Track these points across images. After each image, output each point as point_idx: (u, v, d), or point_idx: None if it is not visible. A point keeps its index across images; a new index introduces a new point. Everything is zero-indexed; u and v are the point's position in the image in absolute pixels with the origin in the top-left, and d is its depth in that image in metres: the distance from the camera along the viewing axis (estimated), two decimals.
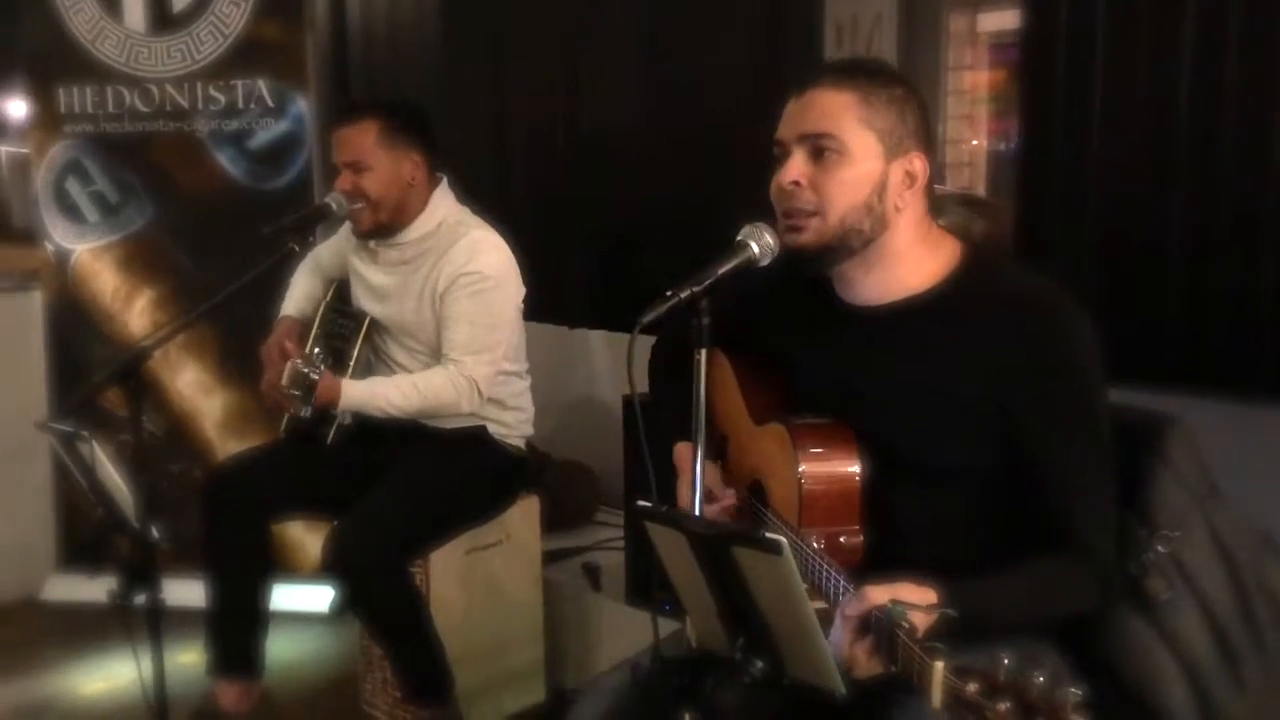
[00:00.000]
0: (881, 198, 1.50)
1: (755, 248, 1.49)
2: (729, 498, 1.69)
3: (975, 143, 3.74)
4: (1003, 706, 1.03)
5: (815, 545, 1.46)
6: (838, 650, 1.26)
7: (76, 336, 3.54)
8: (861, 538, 1.50)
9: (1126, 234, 2.19)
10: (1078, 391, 1.46)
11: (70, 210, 3.50)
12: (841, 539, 1.49)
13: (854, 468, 1.50)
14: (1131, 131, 2.17)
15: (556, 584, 2.98)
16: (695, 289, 1.43)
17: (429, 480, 2.58)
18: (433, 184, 2.66)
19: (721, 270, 1.46)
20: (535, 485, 2.93)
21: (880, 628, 1.22)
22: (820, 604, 1.41)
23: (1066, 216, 2.27)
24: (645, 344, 1.61)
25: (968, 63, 3.62)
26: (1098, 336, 1.47)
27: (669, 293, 1.43)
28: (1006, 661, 1.05)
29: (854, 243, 1.51)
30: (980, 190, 3.65)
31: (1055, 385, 1.45)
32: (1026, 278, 1.52)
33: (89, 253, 3.52)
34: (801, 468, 1.49)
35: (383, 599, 2.45)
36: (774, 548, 1.21)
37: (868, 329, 1.55)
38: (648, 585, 2.71)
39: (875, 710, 1.37)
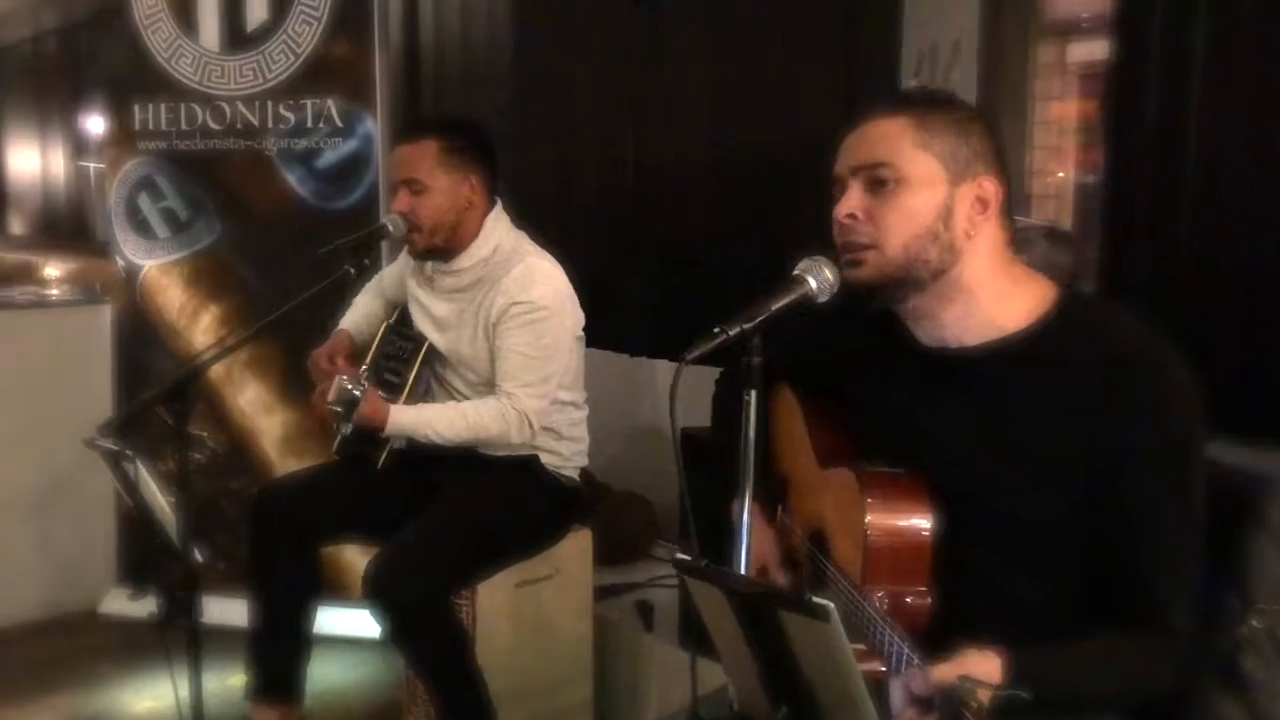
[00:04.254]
0: (948, 224, 1.39)
1: (813, 283, 1.39)
2: (779, 578, 1.59)
3: (1061, 175, 3.62)
4: None
5: (878, 605, 1.36)
6: None
7: (143, 351, 3.56)
8: (929, 600, 1.38)
9: (1221, 275, 2.05)
10: (1177, 459, 1.34)
11: (141, 226, 3.52)
12: (907, 599, 1.38)
13: (926, 523, 1.39)
14: (1229, 165, 2.03)
15: (608, 622, 2.89)
16: (746, 326, 1.34)
17: (477, 509, 2.51)
18: (489, 207, 2.60)
19: (775, 306, 1.37)
20: (589, 518, 2.85)
21: (947, 706, 1.13)
22: (876, 665, 1.30)
23: (1155, 255, 2.14)
24: (701, 376, 1.52)
25: (1055, 93, 3.52)
26: (1203, 397, 1.36)
27: (717, 329, 1.34)
28: None
29: (921, 274, 1.40)
30: (1067, 223, 3.52)
31: (1154, 450, 1.33)
32: (1129, 326, 1.39)
33: (157, 268, 3.54)
34: (868, 519, 1.38)
35: (423, 631, 2.37)
36: (822, 613, 1.11)
37: (950, 373, 1.44)
38: (702, 628, 2.60)
39: None
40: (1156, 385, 1.33)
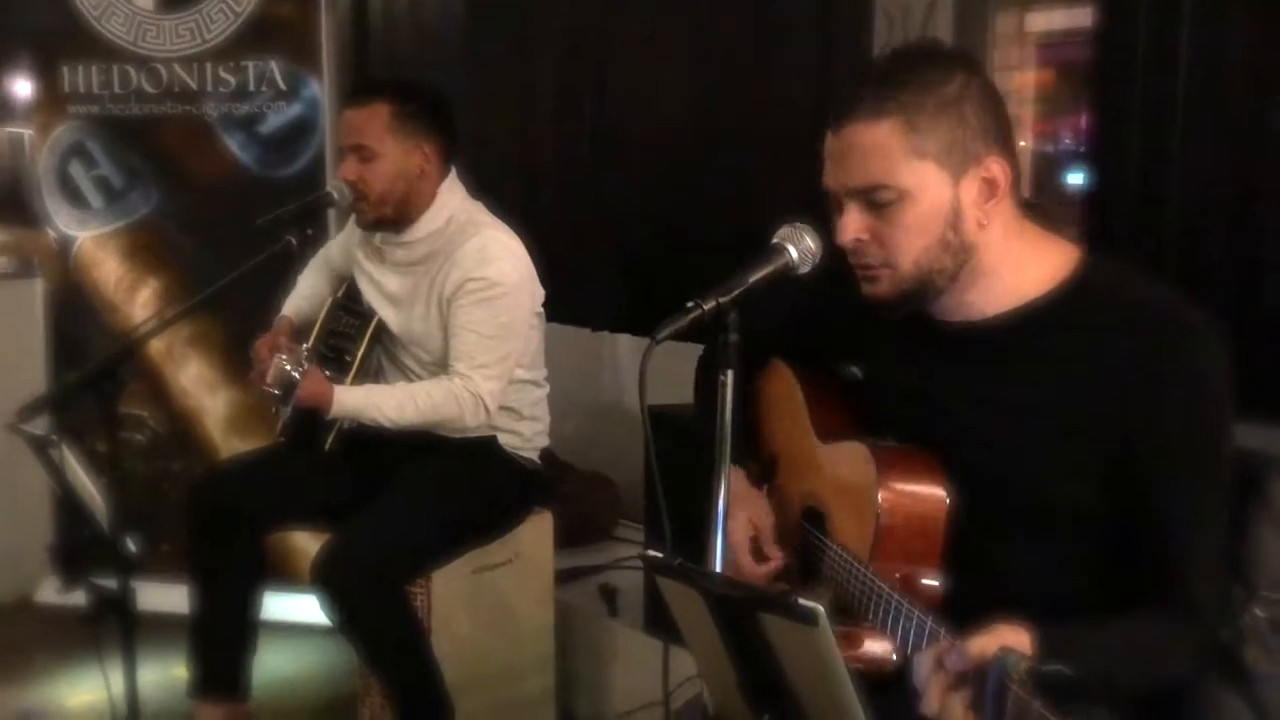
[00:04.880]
0: (958, 227, 1.29)
1: (794, 253, 1.30)
2: (777, 557, 1.49)
3: (1022, 144, 3.59)
4: None
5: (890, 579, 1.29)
6: (923, 703, 1.09)
7: (78, 327, 3.40)
8: (940, 584, 1.31)
9: (1212, 250, 1.98)
10: (1206, 428, 1.27)
11: (73, 195, 3.35)
12: (921, 581, 1.31)
13: (942, 500, 1.31)
14: (1219, 140, 1.96)
15: (570, 607, 2.80)
16: (722, 300, 1.24)
17: (432, 493, 2.40)
18: (443, 175, 2.46)
19: (753, 278, 1.27)
20: (550, 500, 2.74)
21: (986, 680, 1.03)
22: (872, 649, 1.25)
23: (1141, 228, 2.05)
24: (667, 349, 1.41)
25: (1014, 62, 3.49)
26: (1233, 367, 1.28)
27: (691, 303, 1.23)
28: None
29: (938, 282, 1.32)
30: (1024, 192, 3.50)
31: (1182, 418, 1.25)
32: (1157, 291, 1.31)
33: (92, 240, 3.37)
34: (881, 494, 1.31)
35: (374, 622, 2.26)
36: (809, 617, 1.02)
37: (967, 343, 1.36)
38: (668, 612, 2.52)
39: None
40: (1182, 350, 1.26)
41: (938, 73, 1.29)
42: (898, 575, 1.30)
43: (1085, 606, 1.28)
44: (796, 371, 1.58)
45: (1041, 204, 3.07)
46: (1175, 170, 2.01)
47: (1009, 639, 1.09)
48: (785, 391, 1.58)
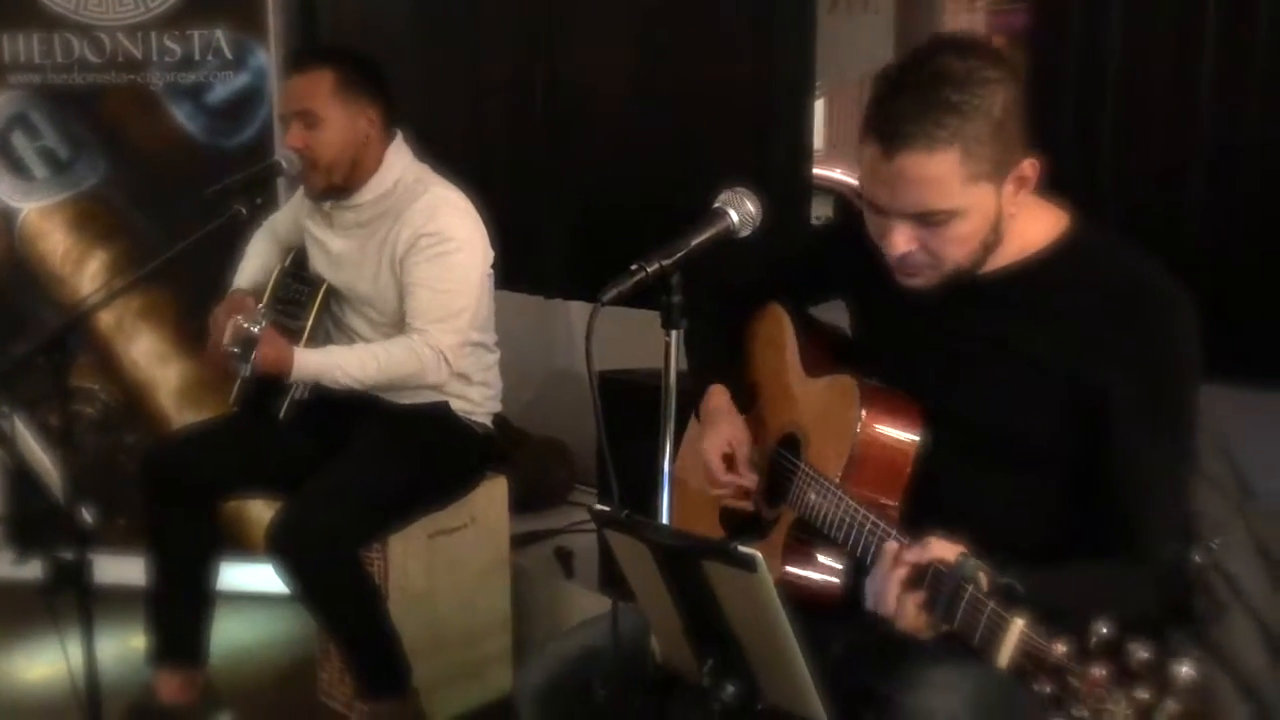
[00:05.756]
0: (998, 226, 1.35)
1: (734, 216, 1.34)
2: (748, 478, 1.58)
3: None
4: (1097, 672, 0.94)
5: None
6: (879, 600, 1.19)
7: (23, 301, 3.35)
8: (896, 518, 1.39)
9: (1143, 212, 2.04)
10: (1176, 389, 1.35)
11: (17, 166, 3.30)
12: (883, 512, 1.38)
13: (914, 439, 1.41)
14: (1150, 105, 2.02)
15: (526, 570, 2.84)
16: (665, 262, 1.28)
17: (385, 459, 2.41)
18: (387, 140, 2.47)
19: (695, 241, 1.32)
20: (504, 465, 2.77)
21: (944, 582, 1.12)
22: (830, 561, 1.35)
23: (1076, 194, 2.11)
24: (618, 317, 1.44)
25: (963, 28, 3.53)
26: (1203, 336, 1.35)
27: (635, 266, 1.27)
28: (1105, 630, 0.97)
29: (974, 271, 1.39)
30: None
31: (1155, 379, 1.32)
32: (1138, 260, 1.38)
33: (37, 211, 3.33)
34: (861, 426, 1.40)
35: (330, 588, 2.28)
36: (748, 563, 1.07)
37: (960, 291, 1.41)
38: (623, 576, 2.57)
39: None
40: (1158, 312, 1.33)
41: (986, 90, 1.28)
42: (862, 500, 1.38)
43: (1041, 549, 1.33)
44: (791, 315, 1.68)
45: None
46: (1106, 143, 2.07)
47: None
48: (777, 331, 1.67)
